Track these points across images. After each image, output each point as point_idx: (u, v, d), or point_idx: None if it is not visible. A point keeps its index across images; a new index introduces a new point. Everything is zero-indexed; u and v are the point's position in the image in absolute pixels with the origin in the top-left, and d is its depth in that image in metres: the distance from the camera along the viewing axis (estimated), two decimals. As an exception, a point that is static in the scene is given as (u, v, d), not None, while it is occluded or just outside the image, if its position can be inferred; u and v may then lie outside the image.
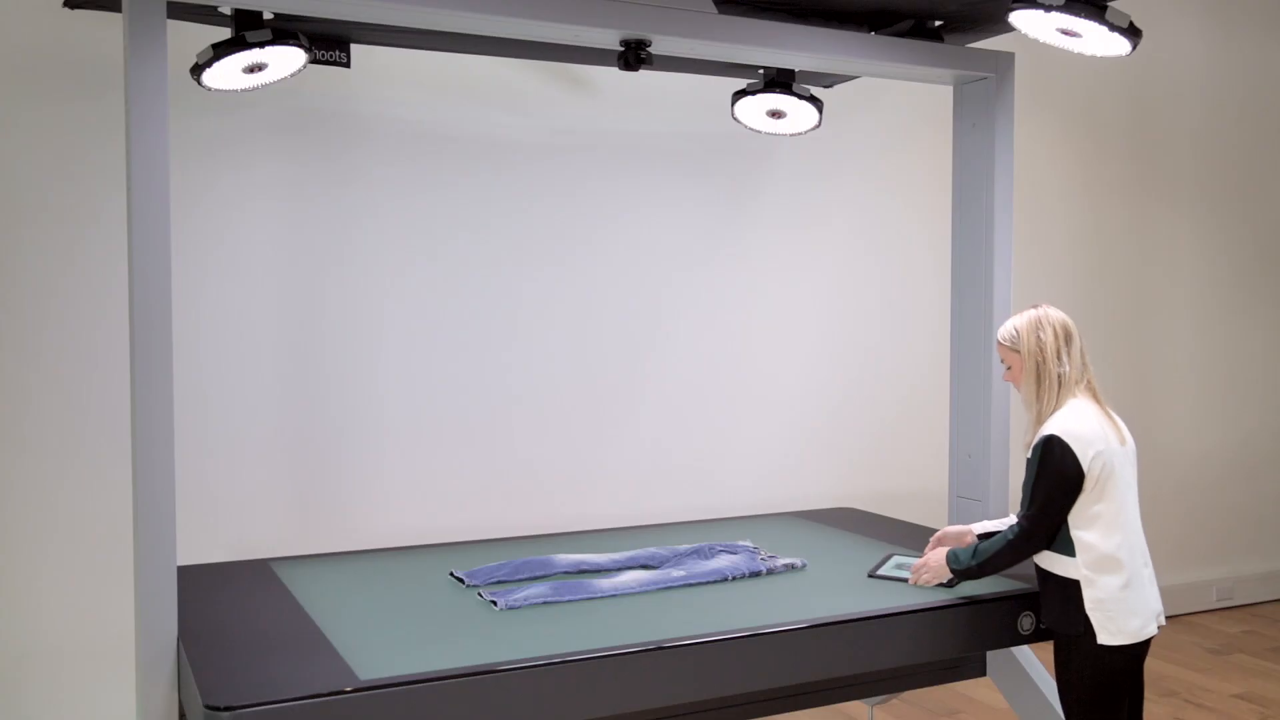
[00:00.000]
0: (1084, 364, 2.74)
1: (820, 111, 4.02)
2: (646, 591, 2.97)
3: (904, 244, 5.01)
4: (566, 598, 2.87)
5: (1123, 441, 2.71)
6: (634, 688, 2.51)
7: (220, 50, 3.01)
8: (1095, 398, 2.74)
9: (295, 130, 3.89)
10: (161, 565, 2.42)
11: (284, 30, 3.04)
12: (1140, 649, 2.68)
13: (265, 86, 3.28)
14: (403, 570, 3.25)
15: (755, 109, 4.05)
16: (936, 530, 3.84)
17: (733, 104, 4.08)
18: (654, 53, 3.23)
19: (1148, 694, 4.52)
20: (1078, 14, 2.96)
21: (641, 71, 3.31)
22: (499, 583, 3.03)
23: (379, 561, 3.38)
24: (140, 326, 2.42)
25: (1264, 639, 5.38)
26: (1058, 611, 2.71)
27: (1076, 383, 2.71)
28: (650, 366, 4.52)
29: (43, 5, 3.50)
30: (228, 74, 3.12)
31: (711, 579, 3.08)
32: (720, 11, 3.18)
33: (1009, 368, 2.79)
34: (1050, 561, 2.72)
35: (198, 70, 3.09)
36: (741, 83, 4.04)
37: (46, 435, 3.57)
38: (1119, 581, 2.62)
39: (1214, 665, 4.96)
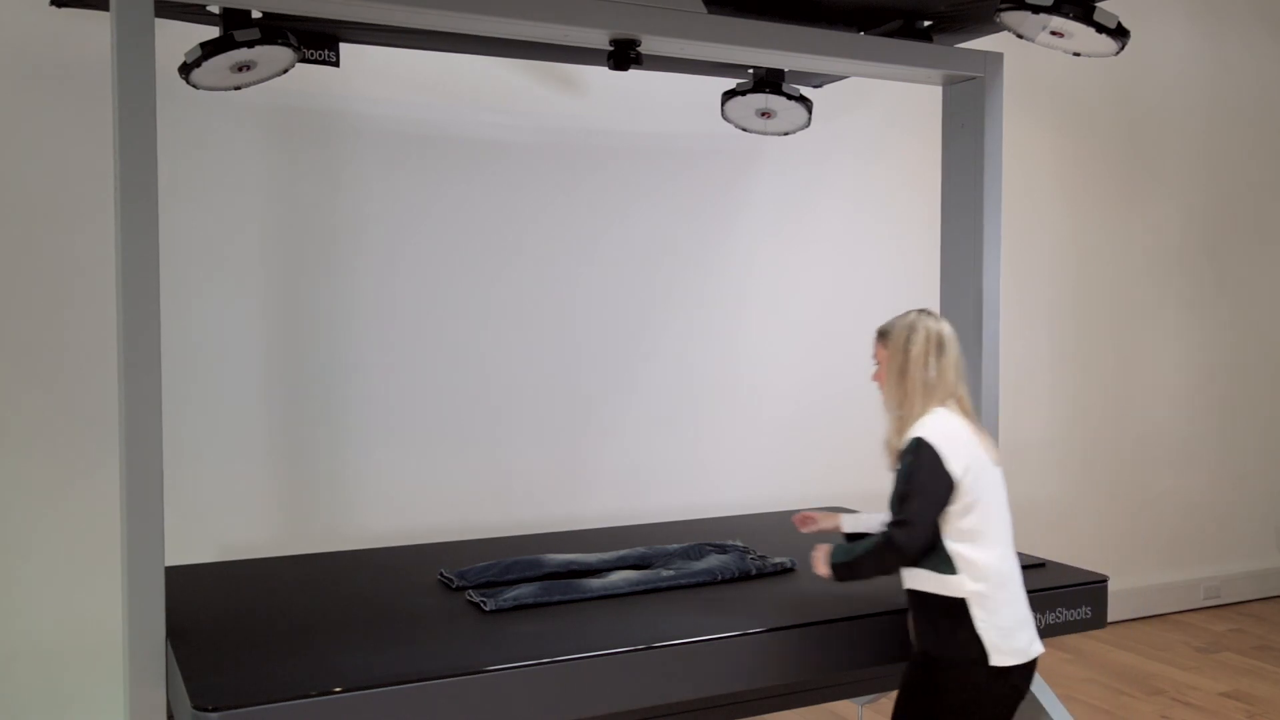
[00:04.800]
0: (956, 379, 2.60)
1: (810, 111, 4.03)
2: (636, 591, 2.97)
3: (893, 244, 5.01)
4: (555, 598, 2.86)
5: (996, 462, 2.59)
6: (623, 688, 2.51)
7: (208, 49, 3.00)
8: (965, 413, 2.60)
9: (283, 129, 3.88)
10: (150, 565, 2.41)
11: (272, 29, 3.03)
12: (1028, 672, 2.54)
13: (253, 85, 3.28)
14: (391, 571, 3.25)
15: (745, 109, 4.05)
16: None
17: (722, 104, 4.09)
18: (644, 52, 3.23)
19: (1135, 692, 4.55)
20: (1066, 14, 2.97)
21: (631, 71, 3.31)
22: (488, 584, 3.02)
23: (368, 562, 3.38)
24: (128, 325, 2.41)
25: (1251, 637, 5.40)
26: (943, 635, 2.51)
27: (947, 396, 2.58)
28: (639, 365, 4.52)
29: (29, 3, 3.48)
30: (216, 73, 3.11)
31: (701, 579, 3.08)
32: (709, 11, 3.19)
33: (879, 365, 2.68)
34: (927, 581, 2.52)
35: (186, 69, 3.08)
36: (731, 82, 4.04)
37: (34, 435, 3.56)
38: (1005, 596, 2.50)
39: (1202, 663, 4.98)
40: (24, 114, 3.52)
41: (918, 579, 2.55)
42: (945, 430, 2.51)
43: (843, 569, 2.63)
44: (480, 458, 4.22)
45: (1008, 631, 2.48)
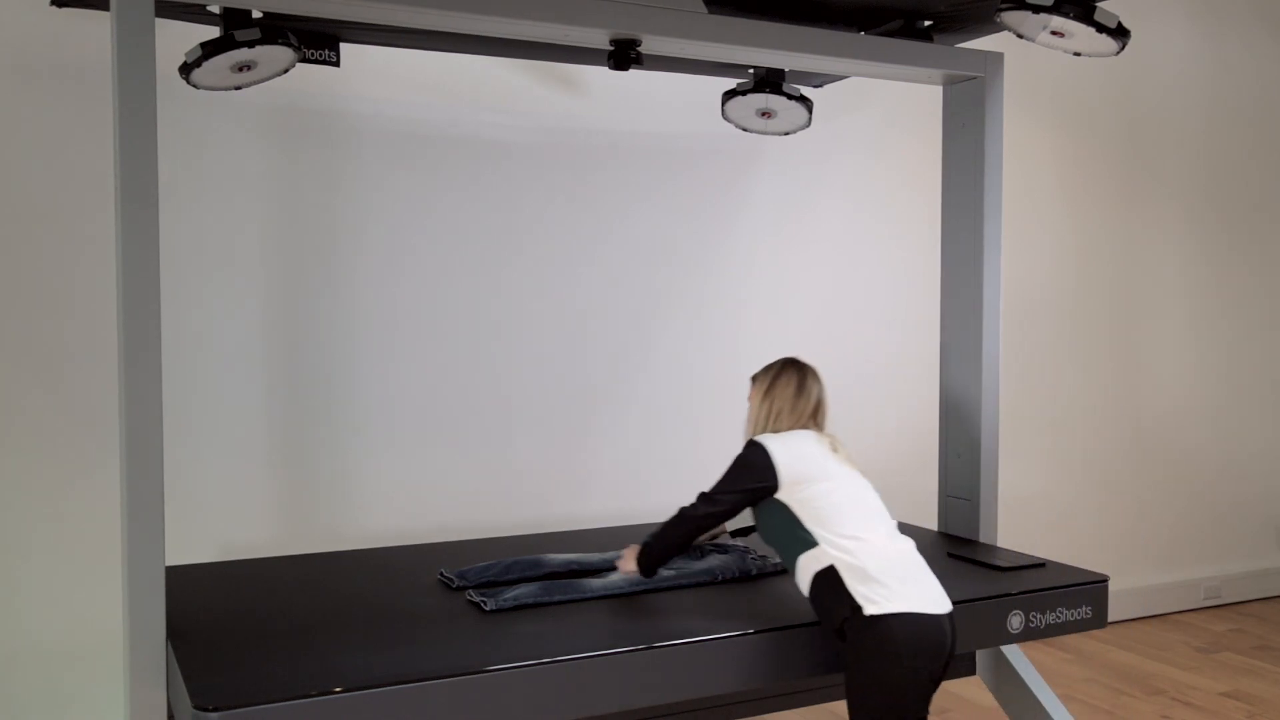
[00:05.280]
0: (810, 417, 2.84)
1: (810, 111, 4.03)
2: (636, 591, 2.97)
3: (894, 244, 5.01)
4: (556, 598, 2.86)
5: (858, 473, 2.77)
6: (623, 688, 2.51)
7: (209, 49, 3.00)
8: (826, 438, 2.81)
9: (283, 129, 3.88)
10: (151, 565, 2.41)
11: (273, 29, 3.03)
12: (920, 638, 2.52)
13: (254, 85, 3.28)
14: (391, 570, 3.25)
15: (745, 109, 4.05)
16: (928, 529, 3.85)
17: (723, 104, 4.09)
18: (644, 52, 3.23)
19: (1136, 692, 4.55)
20: (1066, 14, 2.97)
21: (631, 71, 3.31)
22: (488, 583, 3.02)
23: (367, 562, 3.38)
24: (129, 325, 2.41)
25: (1251, 637, 5.40)
26: (829, 606, 2.60)
27: (801, 428, 2.80)
28: (640, 365, 4.52)
29: (29, 3, 3.48)
30: (216, 73, 3.11)
31: (702, 579, 3.09)
32: (710, 11, 3.19)
33: (750, 405, 2.92)
34: (804, 566, 2.65)
35: (186, 69, 3.08)
36: (731, 82, 4.04)
37: (34, 435, 3.56)
38: (874, 564, 2.56)
39: (1202, 663, 4.98)
40: (24, 114, 3.51)
41: (799, 570, 2.67)
42: (781, 435, 2.75)
43: (650, 547, 2.88)
44: (480, 457, 4.22)
45: (876, 589, 2.54)
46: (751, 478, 2.72)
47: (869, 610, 2.53)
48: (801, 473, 2.68)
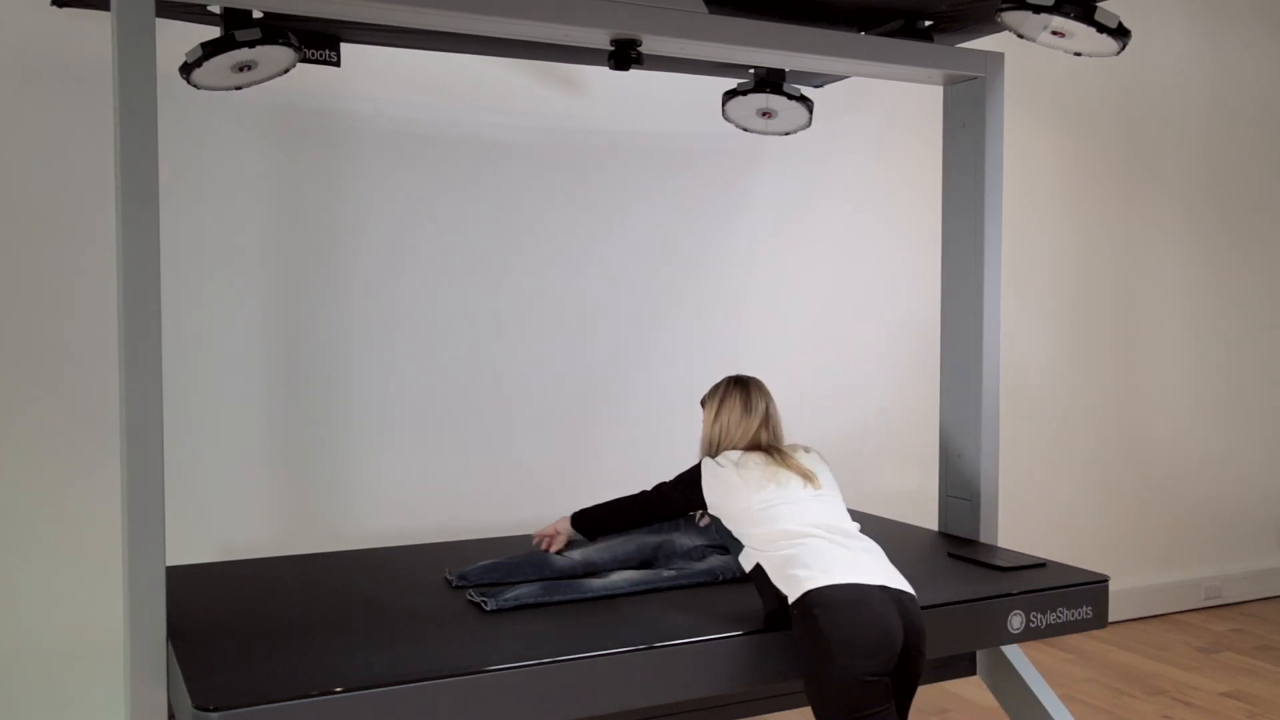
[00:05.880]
0: (759, 430, 2.96)
1: (810, 111, 4.03)
2: (636, 592, 2.97)
3: (894, 244, 5.01)
4: (556, 598, 2.86)
5: (803, 478, 2.85)
6: (623, 688, 2.51)
7: (209, 49, 3.00)
8: (764, 449, 2.93)
9: (283, 129, 3.88)
10: (151, 565, 2.41)
11: (273, 29, 3.03)
12: (850, 606, 2.53)
13: (254, 85, 3.27)
14: (392, 570, 3.25)
15: (745, 109, 4.05)
16: (928, 529, 3.86)
17: (723, 104, 4.09)
18: (644, 52, 3.23)
19: (1136, 692, 4.55)
20: (1067, 14, 2.98)
21: (631, 71, 3.31)
22: (490, 584, 3.02)
23: (368, 561, 3.38)
24: (129, 325, 2.41)
25: (1252, 637, 5.40)
26: (762, 593, 2.74)
27: (744, 447, 2.93)
28: (640, 365, 4.52)
29: (29, 3, 3.48)
30: (217, 73, 3.11)
31: (703, 579, 3.09)
32: (710, 11, 3.19)
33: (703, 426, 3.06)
34: (743, 562, 2.80)
35: (187, 69, 3.08)
36: (732, 82, 4.05)
37: (35, 435, 3.56)
38: (791, 555, 2.65)
39: (1202, 663, 4.98)
40: (24, 114, 3.51)
41: (742, 565, 2.81)
42: (717, 462, 2.91)
43: (584, 516, 3.16)
44: (480, 457, 4.22)
45: (802, 576, 2.61)
46: (691, 491, 2.94)
47: (792, 596, 2.59)
48: (725, 495, 2.84)
